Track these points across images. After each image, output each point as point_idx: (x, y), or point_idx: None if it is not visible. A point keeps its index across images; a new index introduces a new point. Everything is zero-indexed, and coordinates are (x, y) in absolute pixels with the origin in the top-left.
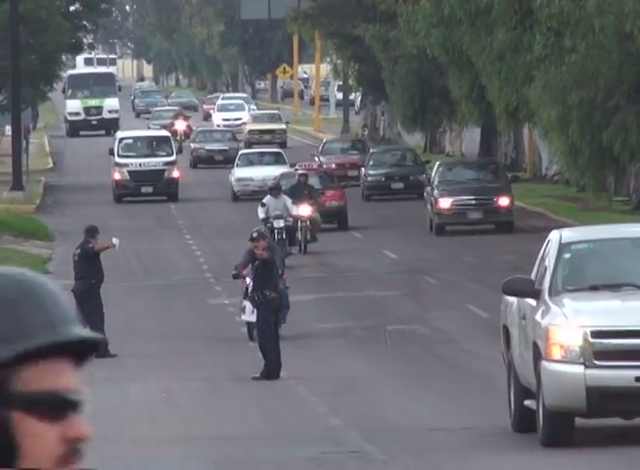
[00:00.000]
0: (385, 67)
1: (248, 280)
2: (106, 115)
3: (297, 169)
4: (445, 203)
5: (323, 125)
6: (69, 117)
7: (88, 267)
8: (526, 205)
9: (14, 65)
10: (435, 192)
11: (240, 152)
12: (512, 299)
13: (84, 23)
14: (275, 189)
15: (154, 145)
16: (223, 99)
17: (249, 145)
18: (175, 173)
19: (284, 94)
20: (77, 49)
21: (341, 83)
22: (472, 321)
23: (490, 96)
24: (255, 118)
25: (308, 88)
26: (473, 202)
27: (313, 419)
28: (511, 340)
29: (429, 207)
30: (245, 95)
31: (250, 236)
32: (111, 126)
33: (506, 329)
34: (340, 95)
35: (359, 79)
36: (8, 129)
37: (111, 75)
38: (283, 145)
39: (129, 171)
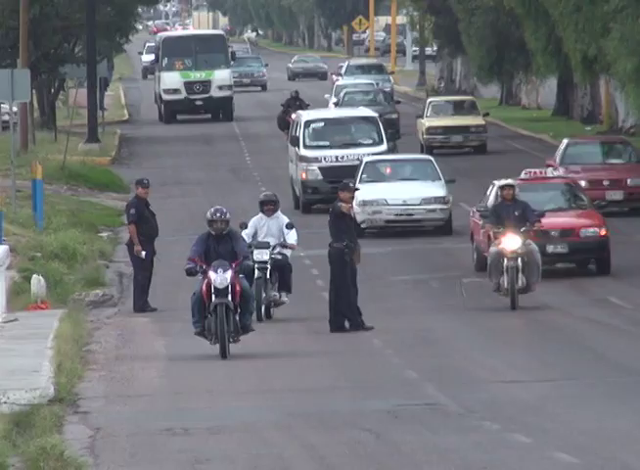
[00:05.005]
0: (461, 18)
1: (212, 275)
2: (215, 92)
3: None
4: None
5: (400, 78)
6: (165, 96)
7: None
8: None
9: (89, 17)
10: None
11: (364, 160)
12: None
13: None
14: (269, 203)
15: (353, 130)
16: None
17: (429, 150)
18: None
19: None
20: (153, 1)
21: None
22: (548, 273)
23: (567, 48)
24: (436, 109)
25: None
26: None
27: (389, 371)
28: None
29: None
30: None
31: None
32: (221, 108)
33: None
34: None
35: (435, 31)
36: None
37: (221, 38)
38: (481, 149)
39: (321, 168)
